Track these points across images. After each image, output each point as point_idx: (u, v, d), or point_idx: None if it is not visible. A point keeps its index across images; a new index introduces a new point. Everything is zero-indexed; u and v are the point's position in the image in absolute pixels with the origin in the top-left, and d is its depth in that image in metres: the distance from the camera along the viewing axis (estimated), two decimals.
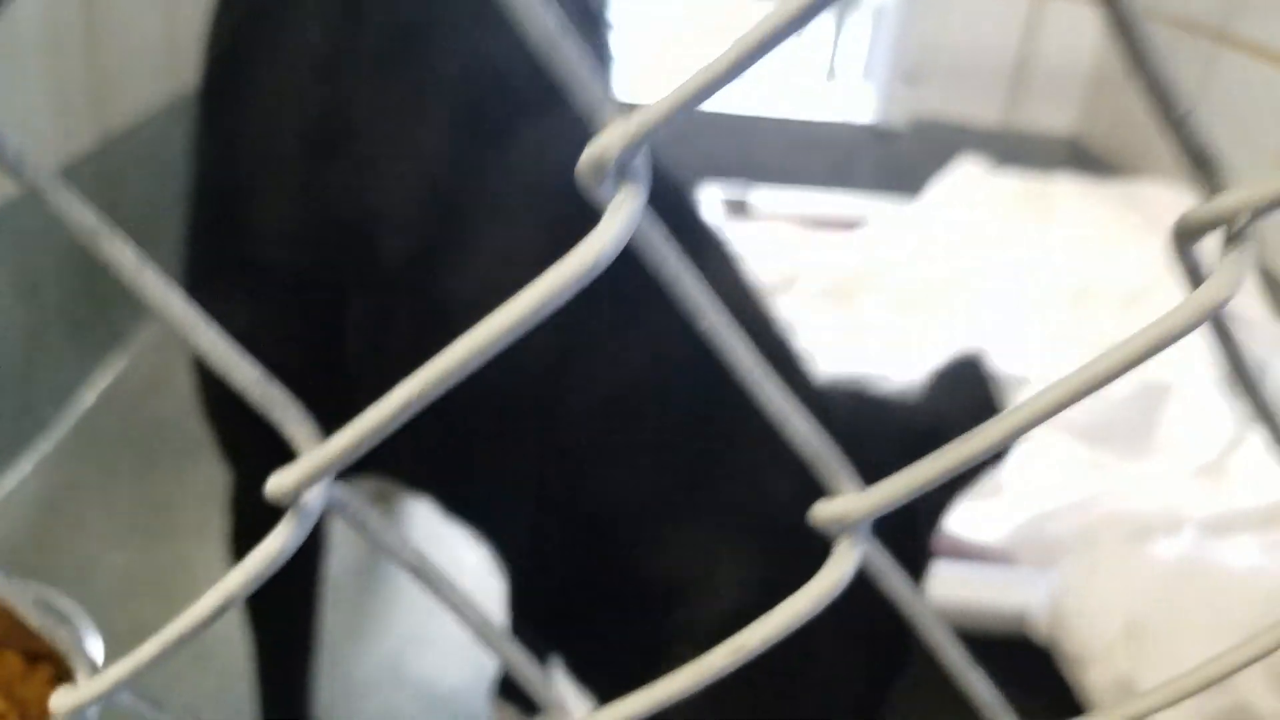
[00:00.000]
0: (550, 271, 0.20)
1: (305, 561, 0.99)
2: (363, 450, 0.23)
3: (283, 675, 1.05)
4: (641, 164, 0.20)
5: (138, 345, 1.98)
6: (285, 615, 1.01)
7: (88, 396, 1.82)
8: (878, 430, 0.72)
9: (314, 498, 0.24)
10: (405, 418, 0.22)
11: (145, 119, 1.96)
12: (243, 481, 0.92)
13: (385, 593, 1.50)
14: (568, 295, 0.21)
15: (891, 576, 0.27)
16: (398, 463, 0.84)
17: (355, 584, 1.51)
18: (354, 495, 0.25)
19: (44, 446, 1.67)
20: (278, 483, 0.24)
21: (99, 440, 1.74)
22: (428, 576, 0.27)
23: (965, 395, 0.79)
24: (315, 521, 0.25)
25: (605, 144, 0.19)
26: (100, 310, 1.86)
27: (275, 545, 0.25)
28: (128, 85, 1.91)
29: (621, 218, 0.20)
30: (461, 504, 0.84)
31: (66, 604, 1.22)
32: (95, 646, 1.19)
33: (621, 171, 0.20)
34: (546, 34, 0.19)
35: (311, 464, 0.23)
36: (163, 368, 1.94)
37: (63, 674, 1.22)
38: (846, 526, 0.25)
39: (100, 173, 1.78)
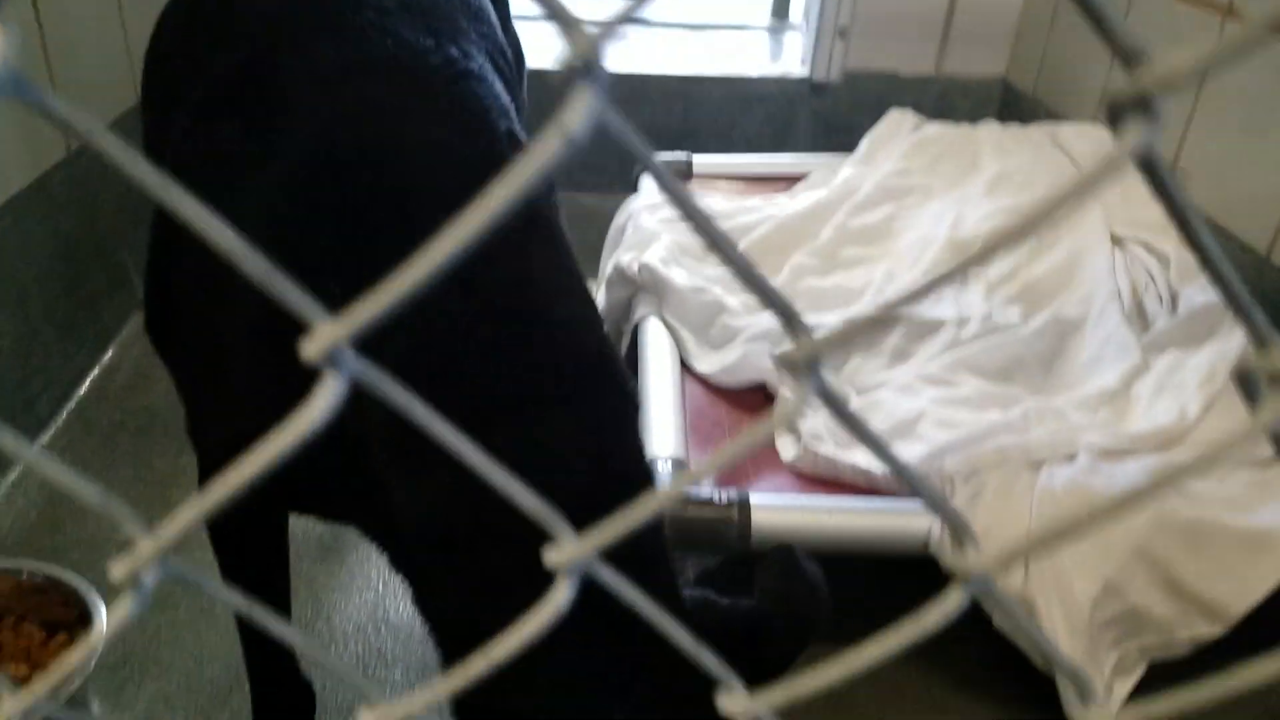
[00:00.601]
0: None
1: (275, 531, 1.12)
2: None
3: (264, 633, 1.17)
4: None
5: (123, 340, 2.10)
6: (259, 573, 1.12)
7: (82, 390, 1.94)
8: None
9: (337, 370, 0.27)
10: None
11: (109, 124, 2.06)
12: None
13: (364, 548, 1.64)
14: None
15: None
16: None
17: (336, 542, 1.65)
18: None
19: (45, 438, 1.80)
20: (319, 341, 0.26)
21: (95, 429, 1.87)
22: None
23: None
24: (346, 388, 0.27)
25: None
26: (87, 310, 1.98)
27: (316, 410, 0.27)
28: (89, 98, 2.00)
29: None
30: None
31: (76, 580, 1.36)
32: (101, 616, 1.33)
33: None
34: None
35: (340, 329, 0.26)
36: (149, 359, 2.06)
37: (78, 641, 1.36)
38: None
39: (72, 177, 1.89)
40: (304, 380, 0.27)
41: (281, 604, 1.17)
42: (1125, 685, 1.33)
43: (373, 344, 0.27)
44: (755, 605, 0.93)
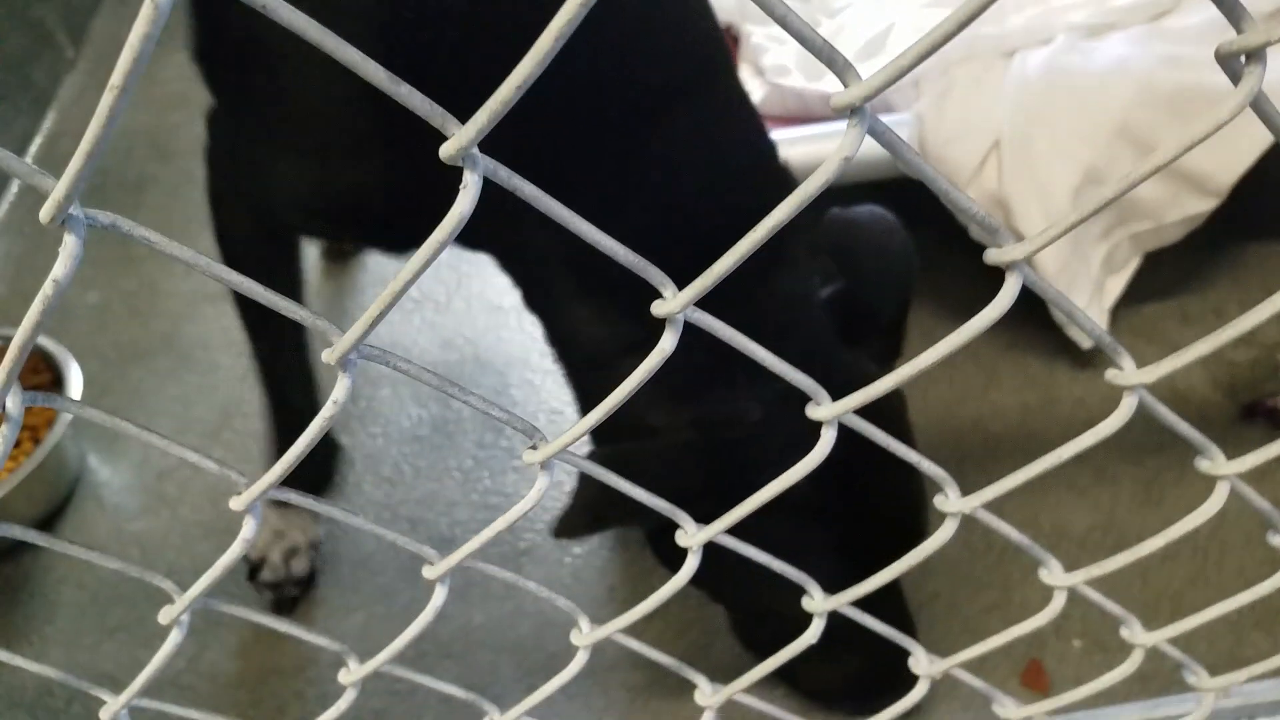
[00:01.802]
0: None
1: (290, 256, 1.08)
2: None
3: (286, 360, 1.14)
4: None
5: (62, 104, 2.00)
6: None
7: (29, 157, 1.87)
8: None
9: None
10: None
11: None
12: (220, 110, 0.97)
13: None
14: None
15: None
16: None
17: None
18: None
19: (2, 209, 1.76)
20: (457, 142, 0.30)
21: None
22: None
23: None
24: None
25: None
26: (14, 75, 1.87)
27: (461, 209, 0.31)
28: None
29: None
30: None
31: (50, 344, 1.34)
32: (76, 377, 1.33)
33: None
34: None
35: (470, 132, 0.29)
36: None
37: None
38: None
39: None
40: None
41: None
42: (1119, 282, 1.26)
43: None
44: (846, 288, 0.90)
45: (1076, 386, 1.29)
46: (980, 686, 0.73)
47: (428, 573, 0.55)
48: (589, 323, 0.85)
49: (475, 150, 0.30)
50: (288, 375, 1.14)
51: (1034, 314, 1.29)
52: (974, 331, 0.41)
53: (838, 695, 1.01)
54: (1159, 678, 1.04)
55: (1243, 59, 0.33)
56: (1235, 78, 0.34)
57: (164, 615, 0.51)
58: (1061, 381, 1.30)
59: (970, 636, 0.98)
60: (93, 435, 1.38)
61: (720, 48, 0.87)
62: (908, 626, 0.96)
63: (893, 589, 0.94)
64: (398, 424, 1.38)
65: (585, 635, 0.60)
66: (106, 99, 0.26)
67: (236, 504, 0.44)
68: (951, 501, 0.53)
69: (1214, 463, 0.53)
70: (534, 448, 0.45)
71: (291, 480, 0.42)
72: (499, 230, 0.83)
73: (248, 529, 0.45)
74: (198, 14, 0.89)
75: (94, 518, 1.31)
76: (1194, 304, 1.35)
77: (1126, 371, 0.46)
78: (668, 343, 0.39)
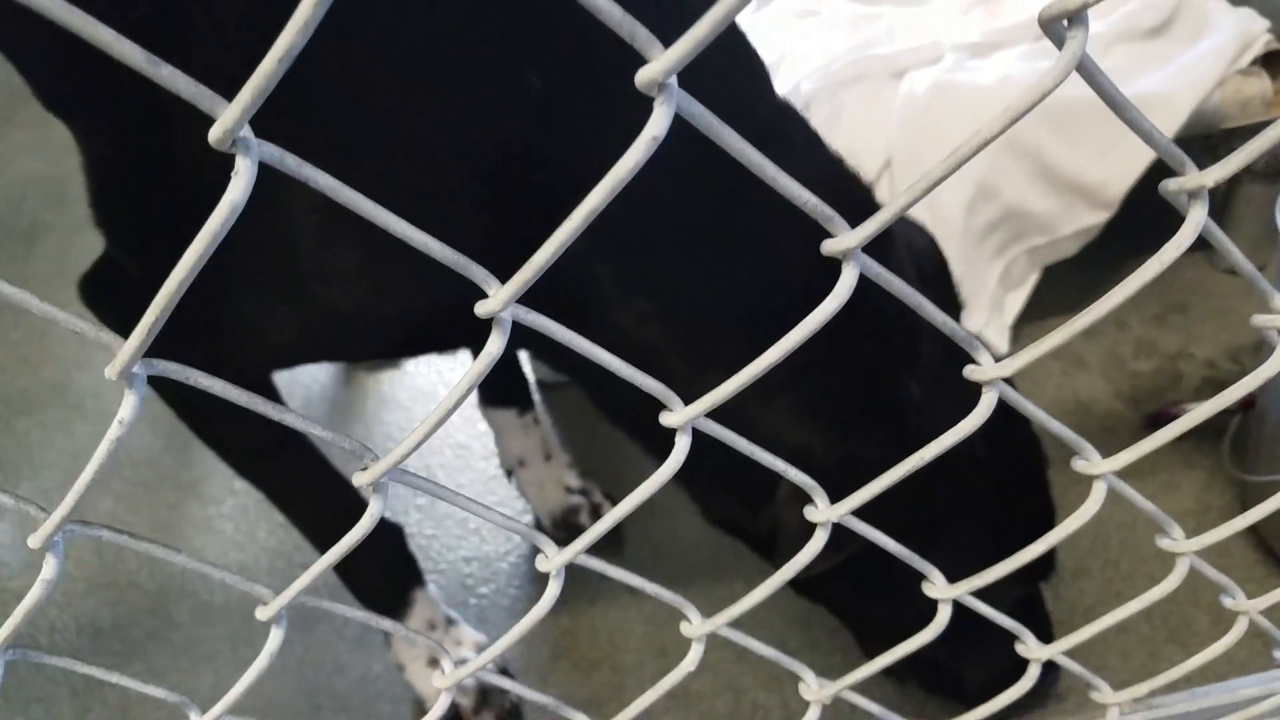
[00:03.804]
0: None
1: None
2: None
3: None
4: None
5: None
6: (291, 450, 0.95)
7: None
8: None
9: None
10: None
11: None
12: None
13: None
14: None
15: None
16: None
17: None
18: None
19: None
20: None
21: None
22: None
23: None
24: None
25: None
26: None
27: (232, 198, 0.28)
28: None
29: None
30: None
31: None
32: None
33: None
34: None
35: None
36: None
37: None
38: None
39: None
40: None
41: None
42: (1018, 298, 1.26)
43: None
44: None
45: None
46: (876, 710, 0.70)
47: (260, 614, 0.51)
48: None
49: (245, 133, 0.28)
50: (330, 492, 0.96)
51: None
52: (808, 330, 0.39)
53: (956, 685, 0.94)
54: (1072, 694, 1.03)
55: (1065, 23, 0.32)
56: (1060, 42, 0.32)
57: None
58: None
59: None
60: None
61: None
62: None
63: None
64: None
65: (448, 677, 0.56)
66: None
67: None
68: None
69: (1090, 462, 0.52)
70: (364, 469, 0.42)
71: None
72: None
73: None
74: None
75: None
76: None
77: (985, 366, 0.45)
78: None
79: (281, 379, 1.42)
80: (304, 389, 1.45)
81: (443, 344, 0.94)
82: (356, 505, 0.99)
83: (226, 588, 1.19)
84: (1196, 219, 0.39)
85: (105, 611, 1.17)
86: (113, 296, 0.86)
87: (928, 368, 0.77)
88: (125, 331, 0.90)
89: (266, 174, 0.29)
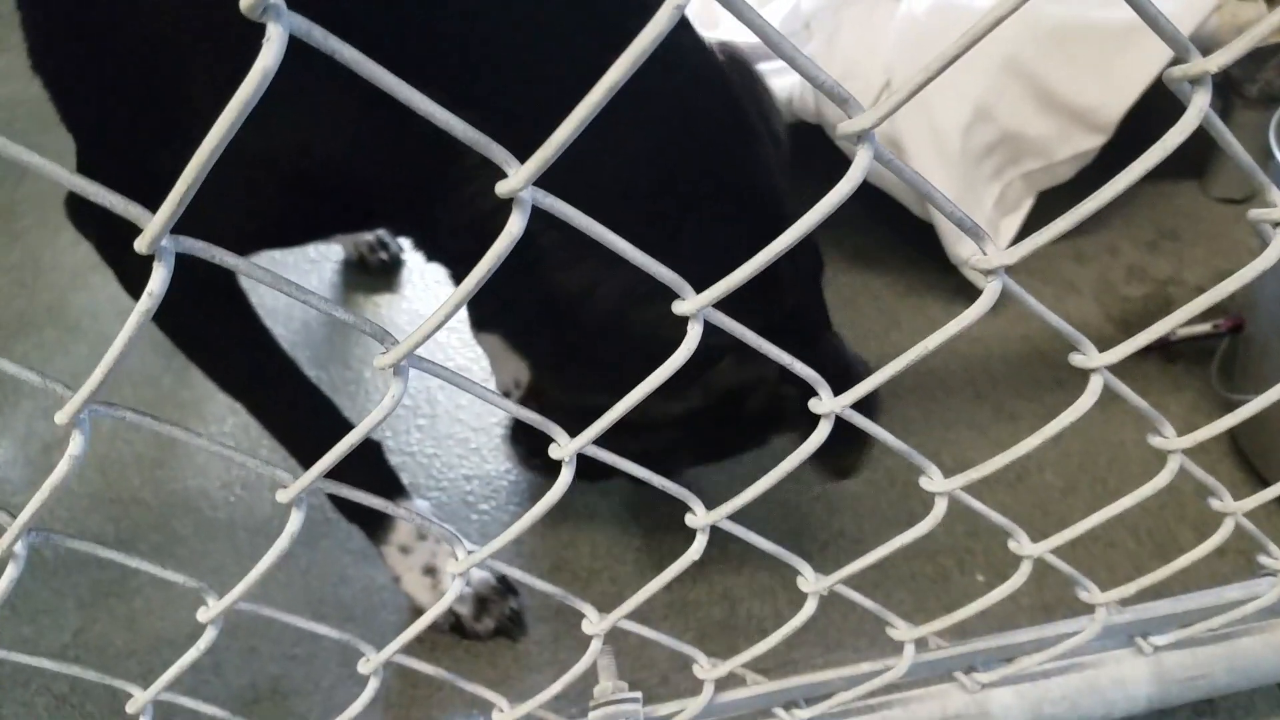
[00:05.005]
0: None
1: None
2: None
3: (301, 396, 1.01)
4: None
5: None
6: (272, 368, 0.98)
7: None
8: None
9: None
10: None
11: None
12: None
13: None
14: None
15: None
16: None
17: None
18: None
19: None
20: None
21: None
22: None
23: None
24: None
25: None
26: None
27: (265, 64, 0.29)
28: None
29: None
30: None
31: None
32: None
33: None
34: None
35: None
36: None
37: None
38: None
39: None
40: None
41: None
42: (1013, 222, 1.27)
43: None
44: None
45: (974, 327, 1.29)
46: (871, 606, 0.73)
47: (281, 496, 0.52)
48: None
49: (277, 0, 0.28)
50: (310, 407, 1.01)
51: (933, 258, 1.30)
52: (826, 210, 0.40)
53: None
54: (1061, 607, 1.06)
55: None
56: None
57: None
58: None
59: (876, 571, 0.98)
60: None
61: None
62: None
63: None
64: None
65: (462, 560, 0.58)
66: None
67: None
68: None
69: (1087, 356, 0.53)
70: (385, 352, 0.43)
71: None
72: None
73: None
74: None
75: None
76: (1088, 244, 1.37)
77: (990, 255, 0.46)
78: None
79: (282, 301, 1.43)
80: (302, 309, 1.46)
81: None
82: (340, 425, 1.02)
83: (230, 504, 1.20)
84: (1199, 105, 0.40)
85: (109, 527, 1.19)
86: (97, 214, 0.87)
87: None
88: (107, 250, 0.89)
89: None
